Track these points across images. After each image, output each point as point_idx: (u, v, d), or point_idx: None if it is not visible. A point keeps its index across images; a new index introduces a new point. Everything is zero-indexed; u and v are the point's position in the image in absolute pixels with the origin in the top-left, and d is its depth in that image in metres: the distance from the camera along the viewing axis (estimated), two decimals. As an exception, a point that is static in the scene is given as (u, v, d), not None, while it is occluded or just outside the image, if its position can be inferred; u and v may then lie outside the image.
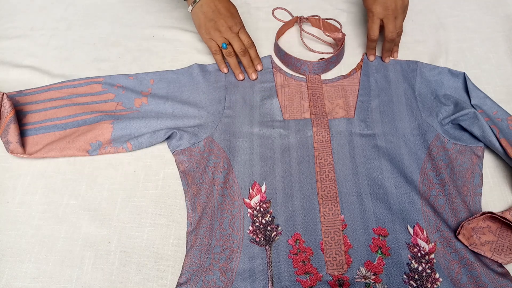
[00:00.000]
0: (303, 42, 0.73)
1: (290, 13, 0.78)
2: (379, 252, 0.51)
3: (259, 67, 0.68)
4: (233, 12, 0.66)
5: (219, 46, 0.66)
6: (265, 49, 0.74)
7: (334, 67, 0.70)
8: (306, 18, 0.77)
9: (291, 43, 0.76)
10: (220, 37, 0.65)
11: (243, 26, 0.67)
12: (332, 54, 0.69)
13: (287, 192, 0.56)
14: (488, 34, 0.76)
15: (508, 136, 0.57)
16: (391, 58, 0.70)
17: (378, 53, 0.71)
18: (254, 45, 0.67)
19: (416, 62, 0.68)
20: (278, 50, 0.71)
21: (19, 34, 0.79)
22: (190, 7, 0.67)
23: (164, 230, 0.55)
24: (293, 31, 0.78)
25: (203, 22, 0.65)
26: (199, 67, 0.68)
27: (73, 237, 0.55)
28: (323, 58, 0.69)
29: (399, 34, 0.68)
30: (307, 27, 0.78)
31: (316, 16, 0.76)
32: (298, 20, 0.76)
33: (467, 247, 0.51)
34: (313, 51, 0.72)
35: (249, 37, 0.67)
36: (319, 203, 0.55)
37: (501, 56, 0.72)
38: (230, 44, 0.66)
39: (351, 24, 0.78)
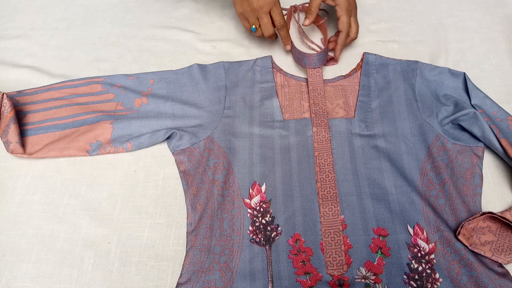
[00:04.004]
0: (303, 36, 0.73)
1: (283, 8, 0.76)
2: (379, 252, 0.51)
3: (287, 48, 0.69)
4: None
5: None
6: (266, 49, 0.74)
7: (325, 58, 0.68)
8: (301, 5, 0.77)
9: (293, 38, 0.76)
10: (252, 16, 0.64)
11: (277, 2, 0.64)
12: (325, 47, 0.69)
13: (287, 192, 0.56)
14: (488, 34, 0.76)
15: (508, 136, 0.57)
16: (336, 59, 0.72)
17: (377, 52, 0.71)
18: (284, 26, 0.66)
19: (416, 62, 0.68)
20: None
21: (19, 34, 0.79)
22: None
23: (164, 230, 0.55)
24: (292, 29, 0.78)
25: None
26: (199, 67, 0.68)
27: (73, 237, 0.55)
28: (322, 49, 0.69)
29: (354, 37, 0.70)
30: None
31: (306, 3, 0.76)
32: (293, 11, 0.76)
33: (467, 247, 0.51)
34: (312, 42, 0.73)
35: (281, 17, 0.65)
36: (319, 203, 0.55)
37: (501, 56, 0.72)
38: (260, 25, 0.66)
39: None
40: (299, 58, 0.68)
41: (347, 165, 0.58)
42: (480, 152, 0.59)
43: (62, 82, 0.68)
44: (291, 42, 0.70)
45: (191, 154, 0.60)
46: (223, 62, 0.69)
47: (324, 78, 0.69)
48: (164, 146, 0.62)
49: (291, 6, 0.77)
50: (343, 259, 0.51)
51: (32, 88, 0.67)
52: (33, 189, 0.59)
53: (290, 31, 0.76)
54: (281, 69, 0.69)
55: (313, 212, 0.55)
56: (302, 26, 0.74)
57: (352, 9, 0.68)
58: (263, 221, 0.54)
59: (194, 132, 0.61)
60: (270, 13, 0.65)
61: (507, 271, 0.50)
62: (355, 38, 0.70)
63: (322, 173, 0.57)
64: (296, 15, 0.77)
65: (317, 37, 0.77)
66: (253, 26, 0.66)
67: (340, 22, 0.67)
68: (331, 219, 0.54)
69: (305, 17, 0.68)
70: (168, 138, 0.62)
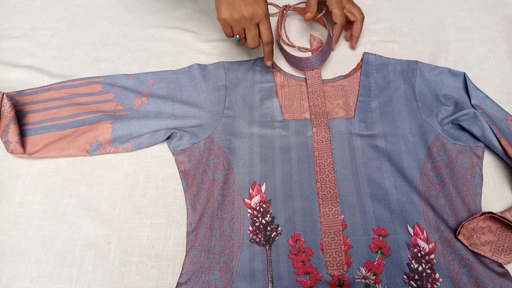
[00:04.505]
0: (283, 35, 0.74)
1: (276, 5, 0.79)
2: (379, 252, 0.51)
3: (268, 63, 0.64)
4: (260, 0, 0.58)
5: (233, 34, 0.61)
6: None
7: (329, 55, 0.70)
8: (292, 7, 0.78)
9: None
10: (238, 25, 0.58)
11: (267, 15, 0.59)
12: (324, 44, 0.69)
13: (287, 192, 0.56)
14: (488, 34, 0.76)
15: (508, 136, 0.57)
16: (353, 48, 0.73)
17: (377, 52, 0.71)
18: (272, 41, 0.61)
19: (416, 62, 0.68)
20: (279, 47, 0.72)
21: (19, 34, 0.79)
22: None
23: (164, 230, 0.55)
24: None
25: (224, 4, 0.57)
26: (199, 67, 0.68)
27: (73, 237, 0.55)
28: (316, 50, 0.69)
29: (361, 21, 0.72)
30: (290, 20, 0.79)
31: (302, 3, 0.77)
32: (284, 9, 0.77)
33: (467, 247, 0.51)
34: (292, 45, 0.74)
35: (270, 31, 0.60)
36: (319, 203, 0.55)
37: (501, 56, 0.72)
38: (245, 35, 0.60)
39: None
40: (295, 62, 0.69)
41: (347, 165, 0.58)
42: (480, 152, 0.59)
43: (62, 82, 0.68)
44: (284, 49, 0.70)
45: (191, 154, 0.60)
46: (223, 62, 0.69)
47: (324, 78, 0.69)
48: (164, 146, 0.62)
49: (283, 5, 0.77)
50: (343, 259, 0.51)
51: (32, 88, 0.67)
52: (33, 189, 0.59)
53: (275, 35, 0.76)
54: (281, 69, 0.69)
55: (313, 212, 0.55)
56: (285, 30, 0.75)
57: (342, 0, 0.70)
58: (263, 221, 0.54)
59: (194, 132, 0.61)
60: (258, 24, 0.60)
61: (507, 271, 0.50)
62: (362, 17, 0.71)
63: (322, 173, 0.57)
64: (283, 19, 0.76)
65: (297, 36, 0.77)
66: (238, 36, 0.60)
67: (333, 15, 0.69)
68: (331, 219, 0.54)
69: (306, 12, 0.69)
70: (168, 138, 0.62)
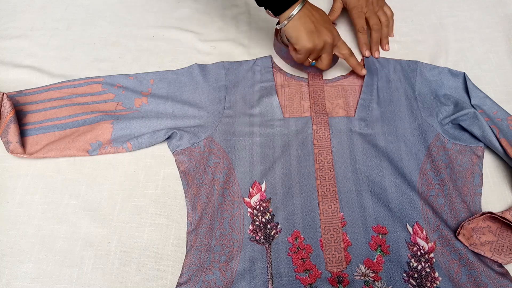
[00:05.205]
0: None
1: None
2: (379, 250, 0.51)
3: (363, 72, 0.66)
4: (330, 22, 0.62)
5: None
6: (266, 49, 0.74)
7: (335, 64, 0.70)
8: None
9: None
10: (319, 52, 0.61)
11: (340, 36, 0.63)
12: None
13: (286, 190, 0.56)
14: (488, 34, 0.76)
15: (508, 136, 0.57)
16: (385, 50, 0.73)
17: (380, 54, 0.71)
18: (352, 53, 0.64)
19: (416, 62, 0.68)
20: (279, 48, 0.71)
21: (19, 34, 0.79)
22: (285, 22, 0.58)
23: (164, 230, 0.55)
24: None
25: (305, 33, 0.58)
26: (199, 67, 0.68)
27: (73, 237, 0.55)
28: None
29: (386, 25, 0.72)
30: None
31: None
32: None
33: (466, 247, 0.51)
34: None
35: (347, 47, 0.64)
36: (318, 200, 0.55)
37: (501, 56, 0.72)
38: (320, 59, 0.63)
39: (350, 24, 0.78)
40: (298, 64, 0.68)
41: (346, 163, 0.58)
42: (480, 152, 0.59)
43: (62, 82, 0.68)
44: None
45: (191, 154, 0.60)
46: (223, 62, 0.69)
47: (324, 78, 0.69)
48: (164, 146, 0.62)
49: None
50: (342, 256, 0.51)
51: (32, 88, 0.67)
52: (33, 189, 0.59)
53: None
54: (281, 69, 0.69)
55: (312, 209, 0.55)
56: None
57: (363, 6, 0.72)
58: (263, 220, 0.54)
59: (194, 132, 0.61)
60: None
61: (507, 271, 0.50)
62: (379, 28, 0.72)
63: (322, 171, 0.58)
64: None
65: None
66: (314, 61, 0.63)
67: (354, 25, 0.72)
68: (330, 216, 0.54)
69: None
70: (168, 138, 0.62)
